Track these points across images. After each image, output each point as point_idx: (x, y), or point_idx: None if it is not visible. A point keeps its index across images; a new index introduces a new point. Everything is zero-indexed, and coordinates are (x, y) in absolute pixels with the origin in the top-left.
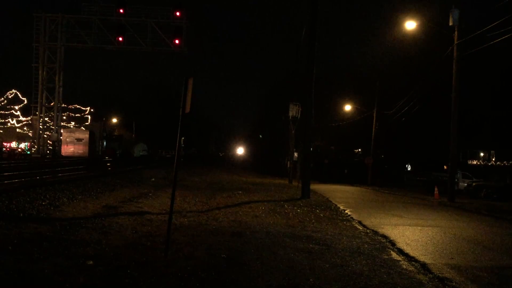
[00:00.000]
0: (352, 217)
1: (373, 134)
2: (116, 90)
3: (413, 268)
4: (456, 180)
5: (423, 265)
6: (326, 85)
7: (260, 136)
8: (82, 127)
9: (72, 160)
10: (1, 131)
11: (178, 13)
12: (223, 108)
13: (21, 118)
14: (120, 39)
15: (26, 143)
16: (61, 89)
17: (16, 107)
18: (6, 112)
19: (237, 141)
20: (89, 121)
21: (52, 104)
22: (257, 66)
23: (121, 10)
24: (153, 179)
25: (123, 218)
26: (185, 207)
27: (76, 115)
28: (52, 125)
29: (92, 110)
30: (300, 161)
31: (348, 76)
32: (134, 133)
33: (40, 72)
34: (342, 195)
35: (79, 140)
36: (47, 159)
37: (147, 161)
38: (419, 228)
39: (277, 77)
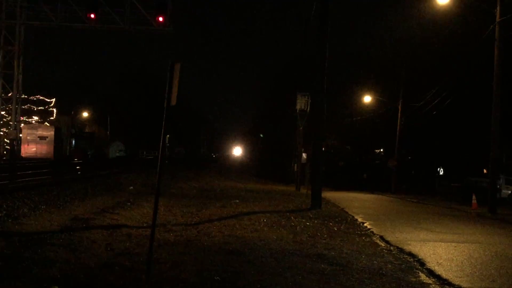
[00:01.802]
0: (372, 232)
1: (397, 131)
2: (88, 79)
3: None
4: (498, 186)
5: None
6: (340, 73)
7: (261, 136)
8: (46, 123)
9: (34, 162)
10: None
11: None
12: (217, 101)
13: None
14: (92, 16)
15: None
16: (20, 76)
17: None
18: None
19: (234, 140)
20: (54, 115)
21: (10, 94)
22: (257, 51)
23: None
24: (132, 187)
25: (96, 232)
26: (170, 219)
27: (39, 108)
28: (10, 120)
29: (58, 102)
30: (310, 163)
31: (367, 62)
32: (109, 130)
33: None
34: (360, 205)
35: (42, 138)
36: (4, 161)
37: (125, 163)
38: (453, 244)
39: (282, 63)
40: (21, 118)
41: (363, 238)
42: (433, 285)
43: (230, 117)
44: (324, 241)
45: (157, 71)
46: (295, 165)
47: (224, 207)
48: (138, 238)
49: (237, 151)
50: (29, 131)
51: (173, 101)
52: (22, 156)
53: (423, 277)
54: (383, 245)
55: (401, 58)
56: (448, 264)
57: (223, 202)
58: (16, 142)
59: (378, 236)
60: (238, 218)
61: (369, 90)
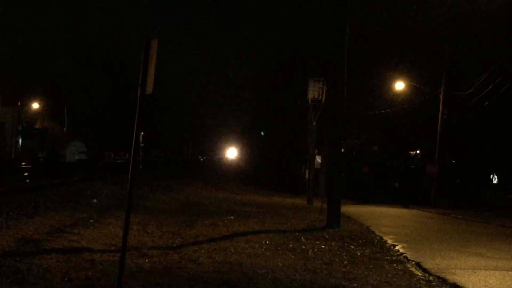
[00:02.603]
0: (406, 257)
1: (438, 127)
2: (39, 59)
3: None
4: None
5: None
6: (364, 53)
7: (262, 134)
8: None
9: None
10: None
11: None
12: (206, 92)
13: None
14: None
15: None
16: None
17: None
18: None
19: (227, 140)
20: None
21: None
22: (256, 25)
23: None
24: (95, 200)
25: (50, 257)
26: (145, 240)
27: None
28: None
29: (0, 89)
30: (326, 169)
31: (398, 40)
32: (67, 126)
33: None
34: (390, 223)
35: None
36: None
37: (87, 169)
38: (510, 273)
39: (288, 41)
40: None
41: (394, 265)
42: None
43: (223, 112)
44: (343, 269)
45: (129, 51)
46: (307, 171)
47: (215, 226)
48: (104, 265)
49: (232, 153)
50: None
51: (149, 89)
52: None
53: None
54: (420, 274)
55: (443, 35)
56: None
57: (213, 218)
58: None
59: (413, 262)
60: (233, 239)
61: (401, 74)
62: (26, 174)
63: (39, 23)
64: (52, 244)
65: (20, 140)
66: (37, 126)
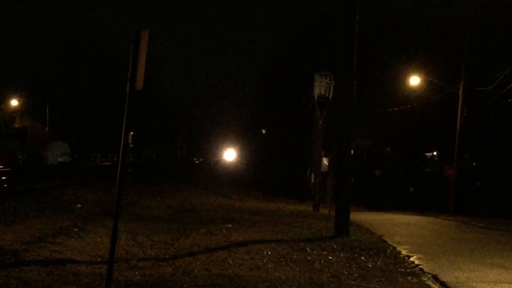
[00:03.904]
0: (422, 269)
1: (457, 126)
2: (17, 51)
3: None
4: None
5: None
6: (375, 44)
7: (263, 131)
8: None
9: None
10: None
11: None
12: (202, 88)
13: None
14: None
15: None
16: None
17: None
18: None
19: (225, 141)
20: None
21: None
22: (257, 13)
23: None
24: (80, 205)
25: (30, 270)
26: (135, 251)
27: None
28: None
29: None
30: (333, 172)
31: (413, 31)
32: (49, 125)
33: None
34: (404, 231)
35: None
36: None
37: (71, 172)
38: None
39: (291, 30)
40: None
41: (409, 278)
42: None
43: (221, 111)
44: (353, 282)
45: (117, 42)
46: (312, 174)
47: (211, 235)
48: (90, 277)
49: (230, 155)
50: None
51: (139, 85)
52: None
53: None
54: None
55: (463, 23)
56: None
57: (210, 227)
58: None
59: (429, 275)
60: (231, 250)
61: (416, 69)
62: (3, 178)
63: (16, 13)
64: (33, 255)
65: None
66: (16, 125)
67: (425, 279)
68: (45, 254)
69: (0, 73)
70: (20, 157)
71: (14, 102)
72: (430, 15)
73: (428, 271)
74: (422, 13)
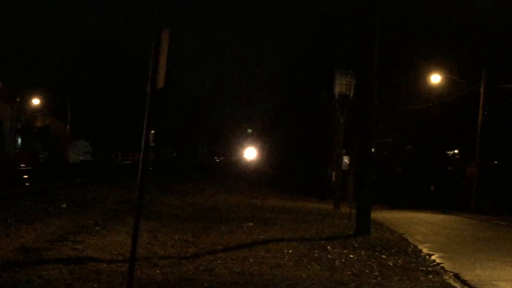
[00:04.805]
0: (443, 267)
1: (479, 124)
2: (39, 50)
3: None
4: None
5: None
6: (397, 43)
7: (249, 131)
8: None
9: None
10: None
11: None
12: (222, 86)
13: None
14: None
15: None
16: None
17: None
18: None
19: (246, 140)
20: None
21: None
22: (275, 11)
23: None
24: (65, 205)
25: (52, 268)
26: (156, 250)
27: None
28: None
29: None
30: (354, 171)
31: (433, 28)
32: (70, 124)
33: None
34: (426, 230)
35: None
36: None
37: (92, 170)
38: None
39: (311, 29)
40: None
41: (430, 276)
42: None
43: (240, 109)
44: (374, 281)
45: (138, 41)
46: (333, 173)
47: (232, 233)
48: (111, 276)
49: (250, 153)
50: None
51: (160, 83)
52: None
53: None
54: (458, 287)
55: (483, 21)
56: None
57: (231, 225)
58: None
59: (451, 273)
60: (252, 248)
61: (437, 66)
62: (25, 176)
63: (38, 13)
64: (55, 253)
65: (20, 140)
66: (37, 124)
67: (447, 277)
68: (66, 252)
69: (21, 73)
70: (42, 156)
71: (35, 101)
72: (451, 13)
73: (449, 270)
74: (443, 11)
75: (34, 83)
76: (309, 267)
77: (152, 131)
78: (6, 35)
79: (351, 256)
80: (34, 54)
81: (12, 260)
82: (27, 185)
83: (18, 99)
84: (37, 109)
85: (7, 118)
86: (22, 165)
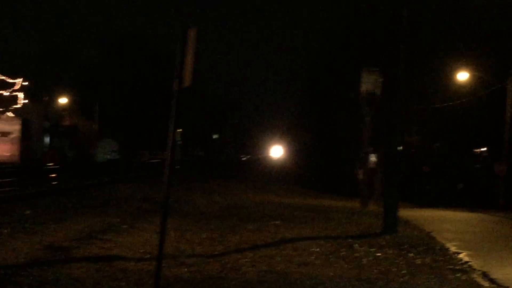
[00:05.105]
0: (471, 266)
1: (506, 122)
2: (67, 50)
3: None
4: None
5: None
6: (424, 41)
7: (214, 136)
8: (8, 113)
9: None
10: None
11: None
12: (248, 84)
13: None
14: None
15: None
16: None
17: None
18: None
19: (272, 138)
20: (20, 101)
21: None
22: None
23: None
24: (28, 211)
25: (80, 266)
26: (184, 248)
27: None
28: None
29: (26, 83)
30: (382, 169)
31: (461, 25)
32: (97, 123)
33: None
34: (453, 228)
35: (4, 134)
36: None
37: (119, 169)
38: None
39: (341, 28)
40: None
41: (458, 275)
42: None
43: (267, 108)
44: (401, 279)
45: (165, 39)
46: (360, 171)
47: (259, 231)
48: (138, 274)
49: (277, 151)
50: None
51: (187, 82)
52: None
53: None
54: (487, 285)
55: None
56: None
57: (257, 224)
58: None
59: (479, 272)
60: (279, 246)
61: (465, 64)
62: (54, 175)
63: (65, 14)
64: (82, 251)
65: (48, 139)
66: (65, 123)
67: (475, 276)
68: (94, 250)
69: (49, 73)
70: (70, 154)
71: (63, 100)
72: (479, 10)
73: (477, 268)
74: (470, 9)
75: (62, 82)
76: (336, 265)
77: (179, 130)
78: (35, 36)
79: (378, 254)
80: (62, 54)
81: (40, 258)
82: (55, 184)
83: (46, 98)
84: (65, 108)
85: (35, 117)
86: (50, 164)
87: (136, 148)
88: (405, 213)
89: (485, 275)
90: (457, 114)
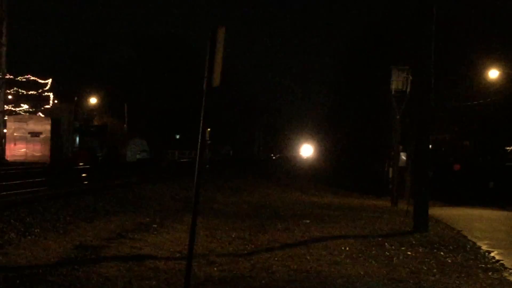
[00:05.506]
0: (503, 264)
1: None
2: (96, 51)
3: None
4: None
5: None
6: (454, 38)
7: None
8: (40, 113)
9: (23, 168)
10: None
11: None
12: (278, 82)
13: None
14: None
15: None
16: (4, 48)
17: None
18: None
19: (302, 137)
20: (51, 102)
21: None
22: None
23: None
24: (159, 201)
25: (111, 266)
26: (213, 247)
27: (30, 92)
28: None
29: (56, 84)
30: (412, 167)
31: (492, 22)
32: (127, 123)
33: None
34: (484, 226)
35: (35, 134)
36: None
37: (149, 168)
38: None
39: (370, 26)
40: (5, 107)
41: (490, 274)
42: None
43: (296, 106)
44: (432, 278)
45: (194, 39)
46: (390, 169)
47: (289, 230)
48: (169, 273)
49: (307, 150)
50: (17, 125)
51: (216, 82)
52: (7, 160)
53: None
54: None
55: None
56: None
57: (287, 223)
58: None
59: (511, 270)
60: (309, 245)
61: (496, 61)
62: (84, 175)
63: (95, 12)
64: (113, 251)
65: (78, 138)
66: (95, 123)
67: (507, 274)
68: (124, 250)
69: (79, 72)
70: (100, 154)
71: (93, 100)
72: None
73: (509, 267)
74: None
75: (92, 82)
76: (366, 264)
77: (208, 129)
78: (64, 36)
79: (409, 253)
80: (91, 53)
81: (71, 257)
82: (85, 183)
83: (76, 98)
84: (94, 108)
85: (66, 117)
86: (80, 164)
87: (166, 148)
88: (436, 211)
89: None
90: (488, 111)
